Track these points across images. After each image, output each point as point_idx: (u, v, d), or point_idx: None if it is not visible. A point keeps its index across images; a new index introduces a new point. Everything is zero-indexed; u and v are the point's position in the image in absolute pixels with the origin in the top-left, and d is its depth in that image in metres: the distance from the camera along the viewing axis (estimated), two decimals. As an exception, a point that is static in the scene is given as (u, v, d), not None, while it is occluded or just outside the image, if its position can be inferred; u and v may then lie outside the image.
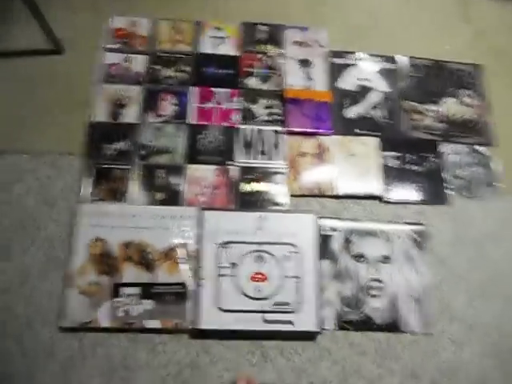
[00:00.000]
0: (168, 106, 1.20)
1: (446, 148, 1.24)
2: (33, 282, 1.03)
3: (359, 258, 1.10)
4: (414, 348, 1.04)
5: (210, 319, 1.00)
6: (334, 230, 1.11)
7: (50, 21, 1.19)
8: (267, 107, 1.22)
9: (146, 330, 1.00)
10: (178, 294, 1.02)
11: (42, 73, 1.24)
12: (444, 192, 1.19)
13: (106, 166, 1.13)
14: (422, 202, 1.18)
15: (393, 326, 1.04)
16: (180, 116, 1.19)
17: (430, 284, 1.09)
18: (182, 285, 1.03)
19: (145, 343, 1.00)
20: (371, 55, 1.33)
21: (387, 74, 1.31)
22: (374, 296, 1.06)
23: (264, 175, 1.15)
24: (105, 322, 0.99)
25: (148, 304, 1.01)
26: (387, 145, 1.22)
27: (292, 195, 1.15)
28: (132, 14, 1.32)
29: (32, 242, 1.07)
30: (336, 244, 1.10)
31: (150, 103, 1.20)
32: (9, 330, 0.99)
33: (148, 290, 1.02)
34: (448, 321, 1.07)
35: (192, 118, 1.19)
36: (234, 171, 1.15)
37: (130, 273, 1.03)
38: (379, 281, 1.08)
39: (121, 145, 1.15)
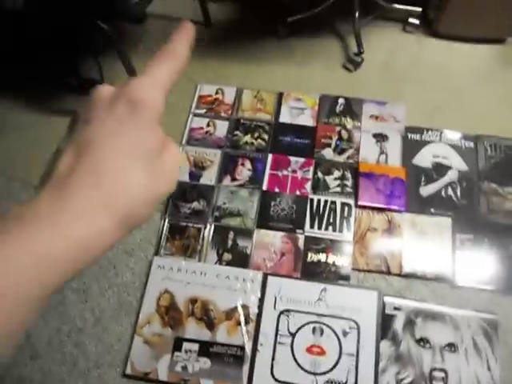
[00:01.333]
0: (244, 171, 1.27)
1: (527, 235, 1.17)
2: (105, 324, 1.12)
3: (423, 342, 1.05)
4: None
5: (263, 388, 1.01)
6: (399, 309, 1.08)
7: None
8: (340, 179, 1.25)
9: (201, 389, 1.03)
10: (235, 357, 1.04)
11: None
12: (523, 283, 1.12)
13: (181, 223, 1.21)
14: (497, 291, 1.11)
15: (456, 425, 0.98)
16: (254, 181, 1.25)
17: (503, 382, 1.01)
18: (241, 348, 1.05)
19: (198, 401, 1.03)
20: (449, 132, 1.31)
21: (466, 152, 1.28)
22: (437, 387, 1.01)
23: (331, 247, 1.16)
24: (163, 375, 1.04)
25: (205, 363, 1.04)
26: (463, 226, 1.18)
27: (358, 269, 1.14)
28: (219, 82, 1.43)
29: (109, 286, 1.16)
30: (399, 325, 1.07)
31: (228, 167, 1.28)
32: (79, 366, 1.08)
33: (207, 348, 1.06)
34: (521, 428, 0.98)
35: (266, 184, 1.25)
36: (302, 240, 1.17)
37: (192, 328, 1.08)
38: (444, 371, 1.02)
39: (196, 204, 1.23)
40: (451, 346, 1.04)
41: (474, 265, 1.14)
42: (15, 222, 0.26)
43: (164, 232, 1.20)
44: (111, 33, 1.05)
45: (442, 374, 1.02)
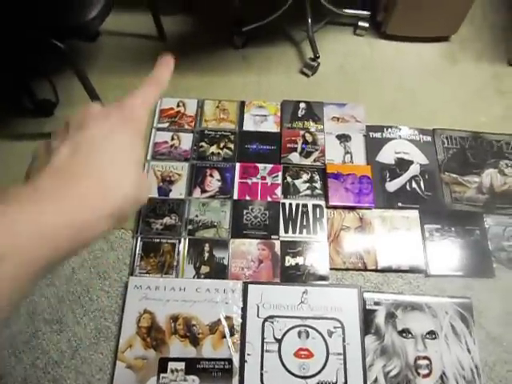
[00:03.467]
0: (213, 182, 1.26)
1: (489, 220, 1.23)
2: (84, 354, 1.07)
3: (405, 333, 1.08)
4: (468, 434, 0.99)
5: (254, 398, 1.00)
6: (379, 303, 1.11)
7: (105, 101, 1.30)
8: (309, 181, 1.26)
9: (192, 408, 1.00)
10: (223, 371, 1.02)
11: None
12: (490, 265, 1.17)
13: (154, 240, 1.18)
14: (468, 276, 1.16)
15: (445, 410, 1.00)
16: (225, 191, 1.25)
17: (482, 364, 1.05)
18: (229, 361, 1.03)
19: (190, 421, 1.00)
20: (407, 128, 1.37)
21: (424, 146, 1.34)
22: (422, 375, 1.03)
23: (307, 249, 1.17)
24: (151, 400, 1.00)
25: (193, 381, 1.01)
26: (430, 217, 1.22)
27: (336, 269, 1.16)
28: (179, 95, 1.42)
29: (84, 313, 1.11)
30: (381, 319, 1.09)
31: (197, 179, 1.27)
32: (59, 404, 1.02)
33: (193, 366, 1.03)
34: (505, 405, 1.02)
35: (236, 193, 1.24)
36: (278, 245, 1.17)
37: (176, 347, 1.05)
38: (428, 358, 1.05)
39: (168, 220, 1.20)
40: (432, 334, 1.08)
41: (444, 253, 1.19)
42: (16, 196, 0.28)
43: (137, 251, 1.16)
44: (67, 51, 1.01)
45: (426, 362, 1.05)
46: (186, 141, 1.33)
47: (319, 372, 1.02)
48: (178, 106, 1.39)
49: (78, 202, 0.29)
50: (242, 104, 1.40)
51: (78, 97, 1.34)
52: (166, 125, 1.36)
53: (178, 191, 1.25)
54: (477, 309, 1.11)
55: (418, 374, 1.03)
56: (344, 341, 1.05)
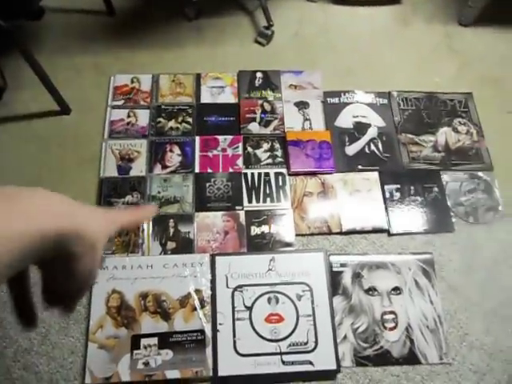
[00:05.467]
0: (173, 157, 1.24)
1: (445, 176, 1.27)
2: (54, 339, 1.05)
3: (371, 291, 1.11)
4: (433, 379, 1.04)
5: (228, 365, 1.01)
6: (345, 265, 1.13)
7: (56, 83, 1.25)
8: (270, 150, 1.26)
9: (168, 381, 1.00)
10: (197, 342, 1.03)
11: (52, 133, 1.30)
12: (449, 220, 1.22)
13: (117, 219, 1.16)
14: (428, 232, 1.20)
15: (410, 359, 1.05)
16: (186, 165, 1.23)
17: (444, 313, 1.10)
18: (201, 332, 1.04)
19: (167, 394, 1.01)
20: (364, 92, 1.38)
21: (381, 109, 1.36)
22: (389, 329, 1.07)
23: (272, 217, 1.18)
24: (125, 376, 1.00)
25: (167, 354, 1.02)
26: (389, 178, 1.25)
27: (301, 234, 1.17)
28: (133, 71, 1.38)
29: (50, 299, 1.09)
30: (347, 279, 1.12)
31: (157, 155, 1.25)
32: (33, 389, 1.01)
33: (166, 340, 1.03)
34: (467, 350, 1.07)
35: (197, 167, 1.23)
36: (242, 215, 1.18)
37: (147, 323, 1.05)
38: (393, 313, 1.09)
39: (130, 198, 1.19)
40: (396, 290, 1.12)
41: (405, 211, 1.22)
42: None
43: (101, 232, 1.14)
44: (11, 29, 0.96)
45: (392, 316, 1.09)
46: (143, 117, 1.30)
47: (290, 334, 1.04)
48: (133, 82, 1.36)
49: (35, 209, 0.32)
50: (198, 77, 1.38)
51: (28, 80, 1.28)
52: (121, 102, 1.32)
53: (138, 169, 1.23)
54: (438, 263, 1.16)
55: (385, 327, 1.07)
56: (313, 303, 1.08)
